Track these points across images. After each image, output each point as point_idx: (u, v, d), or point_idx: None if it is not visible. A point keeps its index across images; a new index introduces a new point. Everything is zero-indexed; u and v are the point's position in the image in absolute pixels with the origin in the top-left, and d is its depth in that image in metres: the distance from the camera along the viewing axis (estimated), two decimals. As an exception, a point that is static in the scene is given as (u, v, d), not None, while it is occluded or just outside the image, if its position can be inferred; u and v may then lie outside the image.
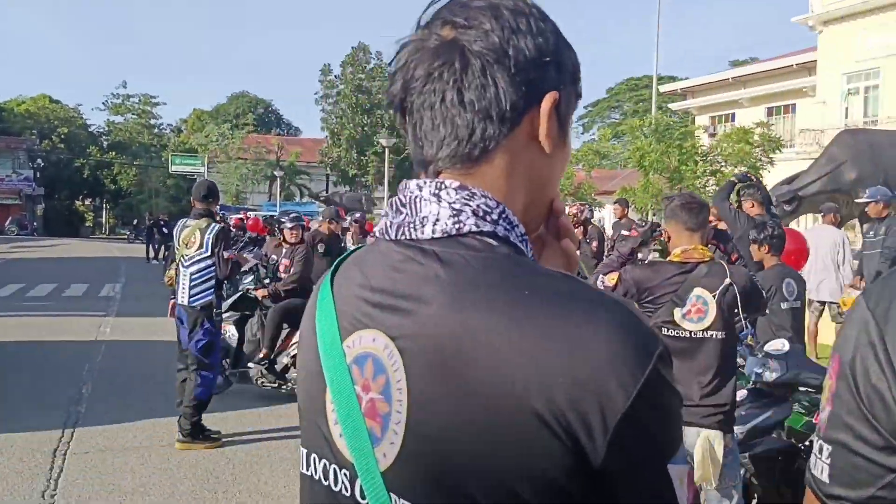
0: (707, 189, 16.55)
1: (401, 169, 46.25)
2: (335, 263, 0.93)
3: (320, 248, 8.30)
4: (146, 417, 6.38)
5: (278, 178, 41.26)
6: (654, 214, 16.92)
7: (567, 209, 8.28)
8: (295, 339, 6.61)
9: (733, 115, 32.97)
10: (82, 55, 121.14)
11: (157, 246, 25.58)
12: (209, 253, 5.69)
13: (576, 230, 8.21)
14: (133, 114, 57.75)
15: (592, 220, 9.26)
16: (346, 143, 44.28)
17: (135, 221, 46.62)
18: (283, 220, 9.11)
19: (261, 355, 6.80)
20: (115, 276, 19.59)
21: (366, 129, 44.35)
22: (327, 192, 46.82)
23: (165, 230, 23.09)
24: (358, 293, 0.85)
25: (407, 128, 0.86)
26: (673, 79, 60.09)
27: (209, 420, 5.89)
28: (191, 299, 5.69)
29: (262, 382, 6.92)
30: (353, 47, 45.99)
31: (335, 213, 9.58)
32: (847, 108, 26.25)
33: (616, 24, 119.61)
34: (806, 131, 26.44)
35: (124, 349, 9.46)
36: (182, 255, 5.75)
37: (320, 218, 10.76)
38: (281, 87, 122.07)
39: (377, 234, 0.88)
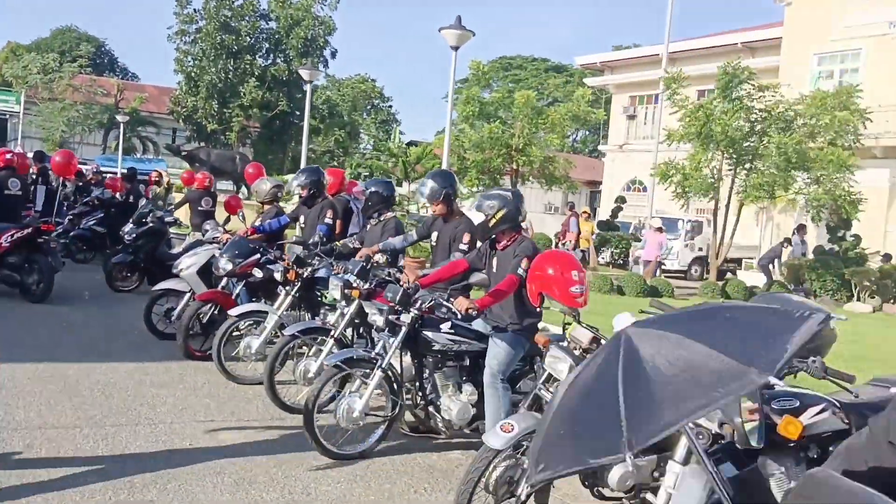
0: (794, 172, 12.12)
1: (269, 128, 39.54)
2: None
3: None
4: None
5: (121, 126, 33.47)
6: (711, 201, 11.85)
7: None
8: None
9: (656, 96, 29.51)
10: None
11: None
12: None
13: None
14: (-75, 40, 46.89)
15: None
16: (205, 92, 36.96)
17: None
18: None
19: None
20: None
21: (230, 76, 37.22)
22: (174, 145, 39.20)
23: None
24: None
25: None
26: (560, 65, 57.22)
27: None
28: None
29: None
30: (218, -23, 38.61)
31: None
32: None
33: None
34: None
35: None
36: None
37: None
38: (115, 25, 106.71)
39: None
